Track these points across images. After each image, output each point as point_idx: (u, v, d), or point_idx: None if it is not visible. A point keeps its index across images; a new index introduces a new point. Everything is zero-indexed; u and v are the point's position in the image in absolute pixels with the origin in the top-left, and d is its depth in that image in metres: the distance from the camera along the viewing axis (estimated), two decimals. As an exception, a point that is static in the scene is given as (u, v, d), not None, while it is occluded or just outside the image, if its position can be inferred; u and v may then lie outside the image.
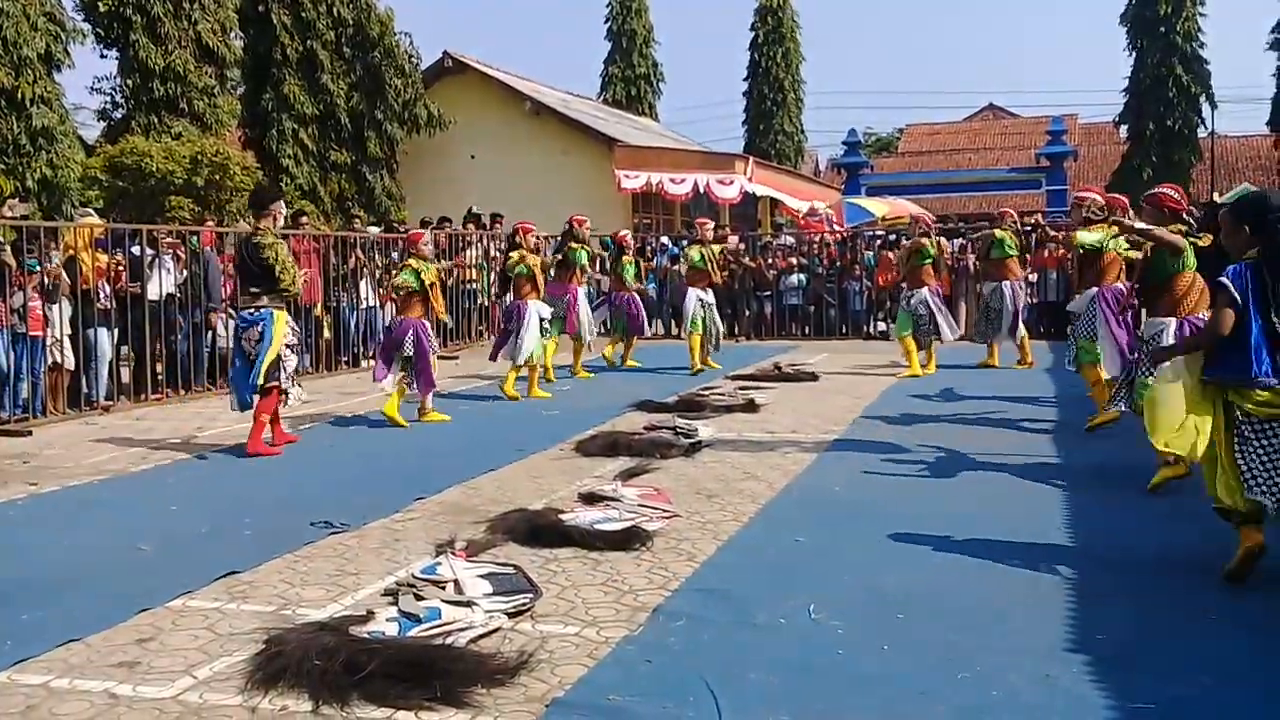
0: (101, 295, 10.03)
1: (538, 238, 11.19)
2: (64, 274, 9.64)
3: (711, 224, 13.77)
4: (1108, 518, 5.60)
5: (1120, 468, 6.92)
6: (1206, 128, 34.01)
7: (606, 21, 39.64)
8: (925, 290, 11.77)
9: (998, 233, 12.17)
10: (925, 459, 7.20)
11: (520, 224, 10.98)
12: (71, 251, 9.80)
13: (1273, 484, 4.38)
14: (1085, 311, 7.90)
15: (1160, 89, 32.18)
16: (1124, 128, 34.49)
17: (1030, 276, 16.54)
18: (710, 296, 12.61)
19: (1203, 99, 32.93)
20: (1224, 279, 4.59)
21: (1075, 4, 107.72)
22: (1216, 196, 28.83)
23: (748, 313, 18.20)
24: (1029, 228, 17.68)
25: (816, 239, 19.23)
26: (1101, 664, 3.60)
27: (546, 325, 10.70)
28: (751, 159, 25.38)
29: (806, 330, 17.72)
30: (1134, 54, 33.14)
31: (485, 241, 16.43)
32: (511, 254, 10.74)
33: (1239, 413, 4.50)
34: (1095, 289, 7.82)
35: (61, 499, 6.49)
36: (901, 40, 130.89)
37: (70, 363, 9.83)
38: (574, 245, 11.91)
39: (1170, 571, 4.66)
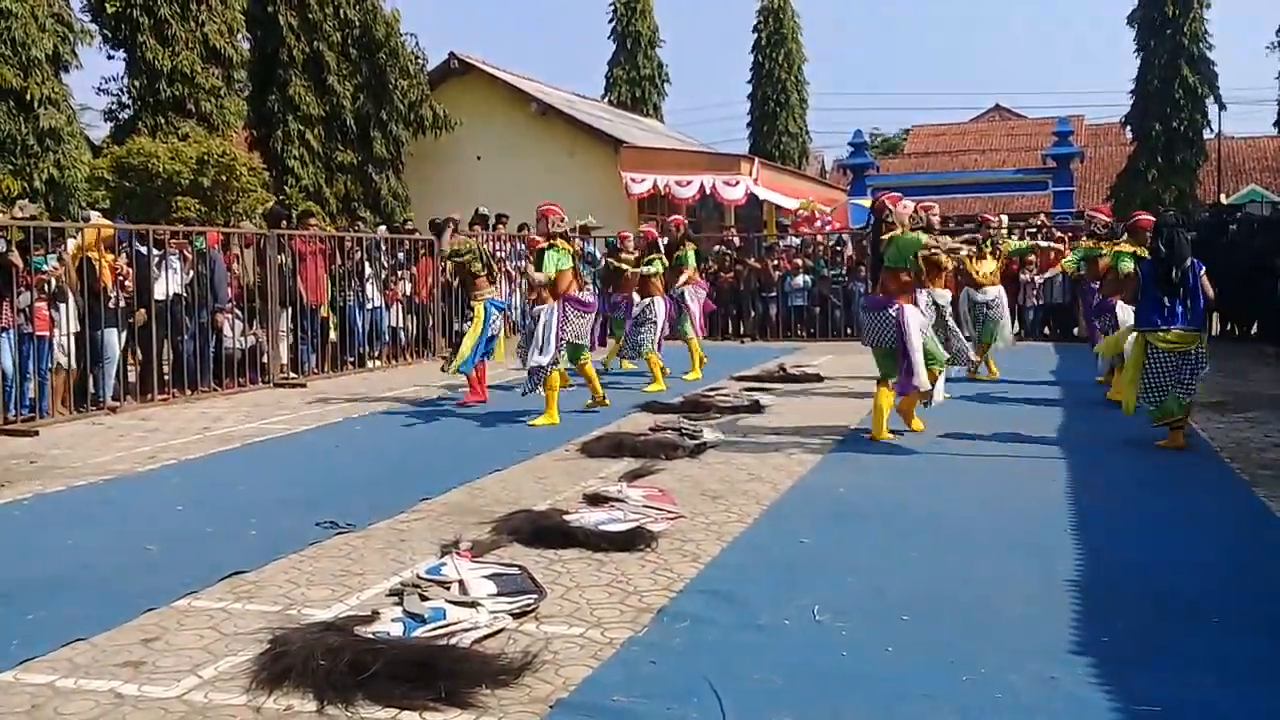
0: (112, 296, 10.05)
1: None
2: (68, 274, 9.66)
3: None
4: (1112, 519, 5.60)
5: (1126, 470, 6.93)
6: (1213, 129, 33.89)
7: (611, 22, 39.64)
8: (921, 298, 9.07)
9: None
10: (930, 460, 7.20)
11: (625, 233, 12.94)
12: (84, 252, 9.82)
13: (1152, 394, 7.38)
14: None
15: (1167, 90, 32.01)
16: (1130, 129, 34.37)
17: (1037, 279, 16.55)
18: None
19: (1209, 100, 32.81)
20: (1134, 268, 8.39)
21: (1083, 5, 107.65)
22: (1223, 198, 28.82)
23: (752, 313, 18.21)
24: (1034, 229, 17.72)
25: (821, 239, 19.24)
26: (1105, 666, 3.59)
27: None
28: (757, 160, 25.35)
29: (811, 331, 17.73)
30: (1141, 55, 33.02)
31: (491, 243, 16.42)
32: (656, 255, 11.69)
33: (1149, 346, 7.38)
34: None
35: (67, 499, 6.51)
36: (908, 41, 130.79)
37: (69, 363, 9.83)
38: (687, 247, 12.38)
39: (1174, 573, 4.65)
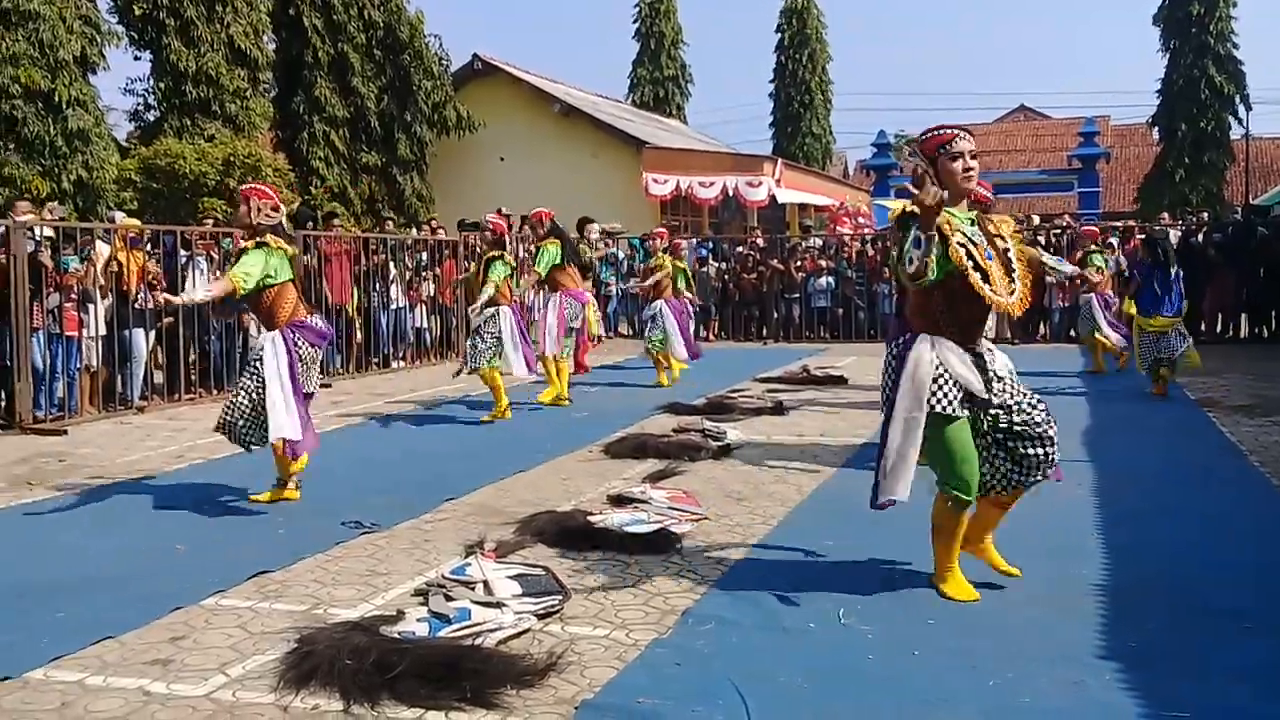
0: (140, 296, 10.13)
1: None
2: (94, 276, 9.74)
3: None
4: (1138, 522, 5.55)
5: (1153, 472, 6.87)
6: (1241, 129, 33.59)
7: (635, 23, 39.70)
8: None
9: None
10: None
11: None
12: (115, 255, 9.90)
13: (1144, 358, 10.10)
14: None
15: (1193, 90, 31.74)
16: (1156, 129, 34.09)
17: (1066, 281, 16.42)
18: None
19: (1237, 100, 32.51)
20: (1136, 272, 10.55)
21: (1108, 4, 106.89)
22: (1252, 199, 28.54)
23: (776, 315, 18.17)
24: (1058, 229, 17.62)
25: (846, 239, 19.17)
26: (1133, 671, 3.56)
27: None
28: (780, 161, 25.31)
29: (835, 333, 17.67)
30: (1167, 55, 32.75)
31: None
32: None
33: (1141, 330, 10.10)
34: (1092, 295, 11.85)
35: (96, 498, 6.56)
36: (932, 41, 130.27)
37: (94, 363, 9.90)
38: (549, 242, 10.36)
39: (1202, 577, 4.60)
